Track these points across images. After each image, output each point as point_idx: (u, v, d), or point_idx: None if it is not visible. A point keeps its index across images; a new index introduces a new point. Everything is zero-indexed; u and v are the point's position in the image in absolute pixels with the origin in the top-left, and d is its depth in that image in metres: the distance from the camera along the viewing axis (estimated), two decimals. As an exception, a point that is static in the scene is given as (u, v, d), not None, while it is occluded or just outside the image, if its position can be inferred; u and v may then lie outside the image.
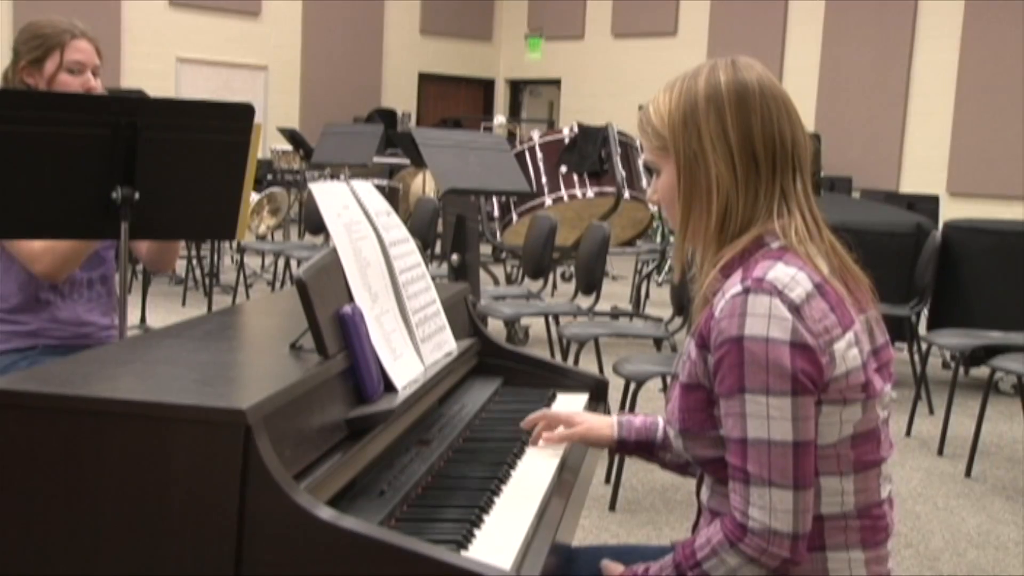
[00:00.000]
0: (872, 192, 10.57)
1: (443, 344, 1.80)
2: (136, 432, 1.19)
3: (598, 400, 2.10)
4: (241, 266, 7.30)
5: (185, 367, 1.40)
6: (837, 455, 1.37)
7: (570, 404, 2.05)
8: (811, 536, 1.35)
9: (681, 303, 4.28)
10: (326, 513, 1.16)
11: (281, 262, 7.55)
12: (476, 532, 1.34)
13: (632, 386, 3.77)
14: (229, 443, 1.16)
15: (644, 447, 1.71)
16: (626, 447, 1.69)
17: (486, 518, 1.40)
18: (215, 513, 1.16)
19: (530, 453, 1.70)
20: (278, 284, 7.56)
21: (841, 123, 12.56)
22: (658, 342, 4.68)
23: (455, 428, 1.76)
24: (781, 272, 1.35)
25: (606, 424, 1.72)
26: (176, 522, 1.17)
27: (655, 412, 5.76)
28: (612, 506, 3.62)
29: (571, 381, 2.11)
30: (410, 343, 1.66)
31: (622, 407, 3.97)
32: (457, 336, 1.90)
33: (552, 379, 2.12)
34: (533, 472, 1.62)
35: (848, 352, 1.35)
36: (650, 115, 1.45)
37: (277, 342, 1.58)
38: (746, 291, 1.33)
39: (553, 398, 2.08)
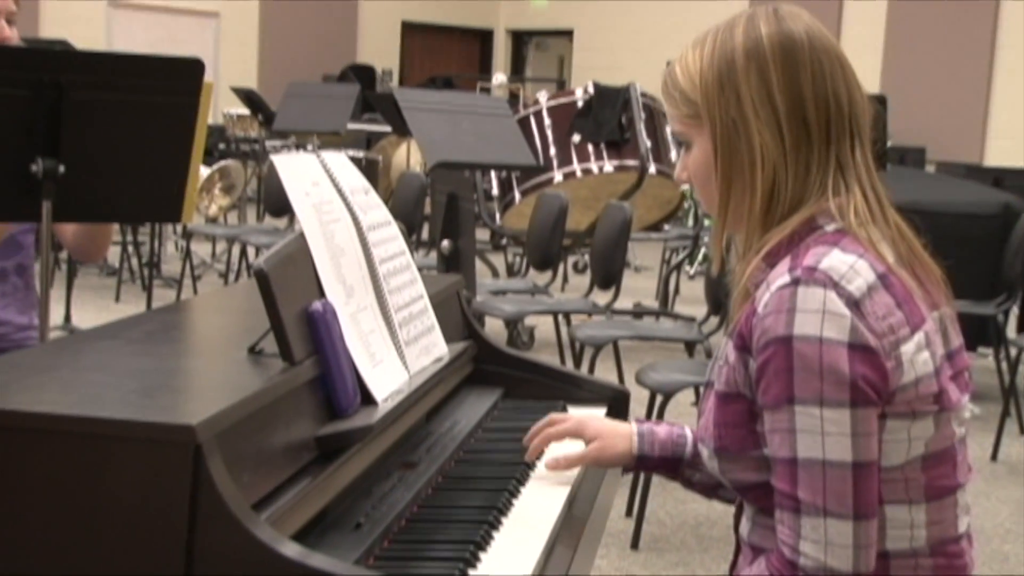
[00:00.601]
0: (950, 165, 10.58)
1: (432, 348, 1.81)
2: (64, 453, 1.19)
3: (617, 415, 2.11)
4: (187, 255, 7.33)
5: (122, 375, 1.41)
6: (905, 479, 1.38)
7: None
8: None
9: (718, 300, 4.29)
10: (291, 550, 1.17)
11: (236, 250, 7.58)
12: (471, 573, 1.35)
13: (658, 399, 3.79)
14: (175, 465, 1.17)
15: (668, 464, 1.70)
16: (647, 464, 1.70)
17: (483, 556, 1.41)
18: (158, 549, 1.17)
19: (535, 479, 1.71)
20: (232, 276, 7.60)
21: (912, 83, 12.56)
22: (690, 346, 4.65)
23: (446, 448, 1.77)
24: (837, 260, 1.36)
25: (623, 436, 1.71)
26: (112, 561, 1.18)
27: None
28: (635, 543, 3.65)
29: (585, 393, 2.13)
30: (392, 346, 1.67)
31: None
32: (448, 338, 1.91)
33: (562, 390, 2.13)
34: (539, 501, 1.63)
35: (918, 356, 1.36)
36: (677, 77, 1.45)
37: (232, 345, 1.58)
38: (795, 282, 1.34)
39: (563, 413, 2.06)
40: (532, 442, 1.75)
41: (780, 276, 1.37)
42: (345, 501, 1.49)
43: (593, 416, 1.77)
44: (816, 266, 1.35)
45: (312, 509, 1.37)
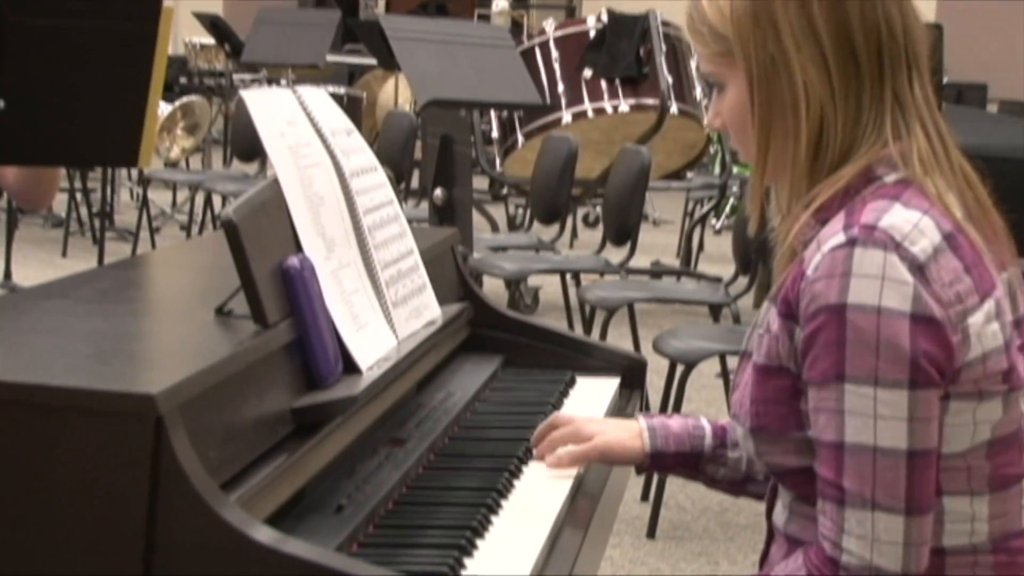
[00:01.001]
0: (1014, 104, 10.53)
1: (423, 310, 1.82)
2: (7, 426, 1.20)
3: (633, 387, 2.11)
4: (144, 203, 7.33)
5: (72, 339, 1.41)
6: (968, 468, 1.38)
7: (594, 392, 2.06)
8: None
9: (747, 257, 4.31)
10: (264, 534, 1.17)
11: (200, 198, 7.58)
12: (466, 562, 1.36)
13: (679, 369, 3.82)
14: (134, 440, 1.17)
15: (687, 460, 1.69)
16: (663, 462, 1.68)
17: (480, 544, 1.41)
18: (115, 534, 1.17)
19: (540, 458, 1.72)
20: (196, 228, 7.60)
21: (972, 10, 12.49)
22: (715, 310, 4.66)
23: (439, 423, 1.77)
24: (899, 217, 1.35)
25: (630, 432, 1.69)
26: (62, 547, 1.18)
27: (710, 405, 5.69)
28: (651, 532, 3.68)
29: (596, 361, 2.13)
30: (378, 308, 1.67)
31: (665, 398, 4.02)
32: (442, 299, 1.91)
33: (570, 358, 2.13)
34: (544, 482, 1.64)
35: (987, 328, 1.35)
36: (704, 10, 1.44)
37: (197, 306, 1.59)
38: (851, 242, 1.33)
39: (571, 384, 2.09)
40: (537, 448, 1.74)
41: (833, 235, 1.36)
42: (325, 481, 1.49)
43: (590, 418, 1.78)
44: (876, 224, 1.34)
45: (288, 490, 1.38)
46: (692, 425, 1.70)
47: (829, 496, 1.35)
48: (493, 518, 1.49)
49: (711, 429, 1.70)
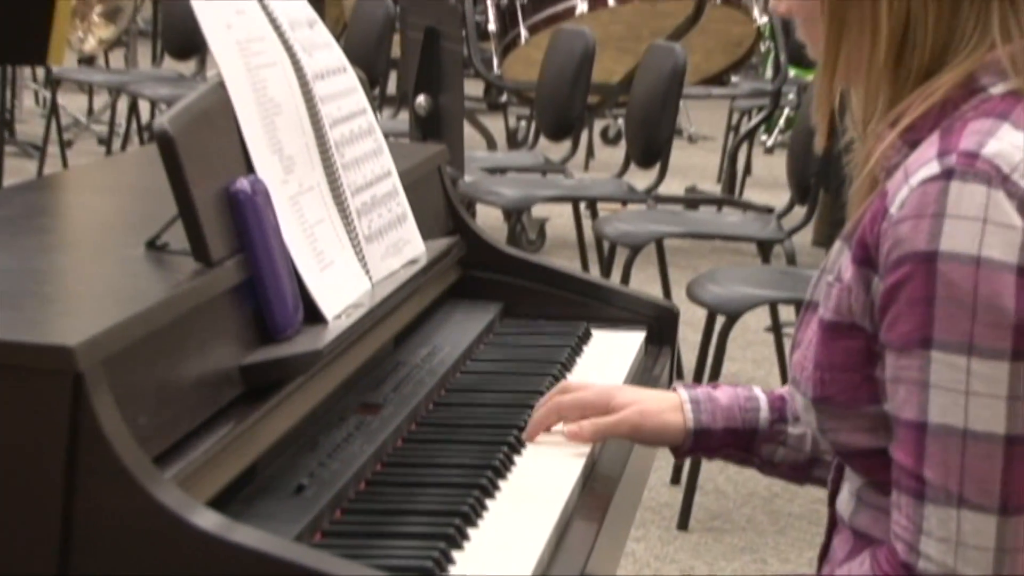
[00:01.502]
0: None
1: (403, 246, 1.82)
2: None
3: (662, 343, 2.11)
4: (53, 110, 7.29)
5: (-30, 278, 1.42)
6: None
7: (614, 348, 2.05)
8: None
9: (805, 182, 4.27)
10: (207, 520, 1.18)
11: (123, 104, 7.54)
12: (455, 556, 1.36)
13: (719, 321, 3.81)
14: (47, 403, 1.17)
15: (738, 440, 1.69)
16: (707, 441, 1.68)
17: (473, 534, 1.41)
18: (27, 513, 1.17)
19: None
20: (118, 143, 7.57)
21: None
22: (765, 248, 4.64)
23: (422, 385, 1.77)
24: (1008, 142, 1.34)
25: (670, 404, 1.68)
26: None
27: (757, 365, 5.65)
28: (683, 523, 3.67)
29: (616, 310, 2.12)
30: (348, 243, 1.67)
31: (701, 357, 4.02)
32: (426, 233, 1.91)
33: (584, 306, 2.13)
34: (551, 460, 1.64)
35: None
36: None
37: (123, 239, 1.59)
38: (947, 175, 1.33)
39: (585, 338, 2.08)
40: (535, 416, 1.72)
41: (925, 163, 1.34)
42: (282, 456, 1.50)
43: (625, 386, 1.75)
44: (977, 151, 1.33)
45: (237, 466, 1.38)
46: (743, 396, 1.69)
47: (906, 488, 1.34)
48: (488, 503, 1.49)
49: (767, 400, 1.69)
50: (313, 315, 1.55)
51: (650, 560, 3.50)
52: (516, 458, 1.63)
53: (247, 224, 1.48)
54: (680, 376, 4.99)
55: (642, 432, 1.67)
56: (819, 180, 4.20)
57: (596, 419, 1.66)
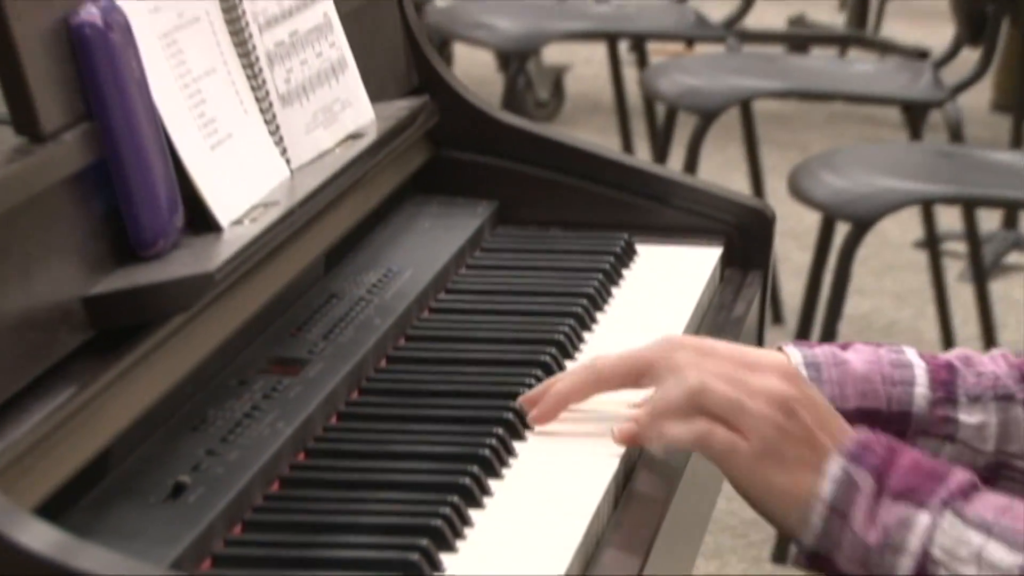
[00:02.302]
0: None
1: (340, 111, 1.68)
2: None
3: (747, 265, 1.87)
4: None
5: None
6: None
7: (672, 274, 1.84)
8: None
9: (978, 10, 3.68)
10: (38, 536, 1.02)
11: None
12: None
13: (841, 232, 3.29)
14: None
15: (880, 428, 1.41)
16: None
17: (447, 563, 1.20)
18: None
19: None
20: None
21: None
22: (915, 115, 4.09)
23: (369, 331, 1.58)
24: None
25: None
26: None
27: (903, 302, 5.24)
28: (780, 554, 3.28)
29: (676, 214, 1.90)
30: (254, 106, 1.53)
31: (811, 291, 3.49)
32: (377, 91, 1.78)
33: (626, 208, 1.91)
34: (569, 454, 1.44)
35: None
36: None
37: None
38: None
39: (626, 257, 1.85)
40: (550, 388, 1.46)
41: None
42: (150, 439, 1.33)
43: (690, 338, 1.51)
44: None
45: (80, 454, 1.22)
46: (889, 361, 1.46)
47: None
48: (473, 514, 1.28)
49: (926, 369, 1.46)
50: (199, 220, 1.40)
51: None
52: (516, 446, 1.41)
53: (96, 75, 1.31)
54: (778, 319, 4.51)
55: None
56: (1001, 6, 3.64)
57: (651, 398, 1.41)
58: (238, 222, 1.41)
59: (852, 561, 1.34)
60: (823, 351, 1.47)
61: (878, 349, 1.48)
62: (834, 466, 1.34)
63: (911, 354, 1.48)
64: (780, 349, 1.47)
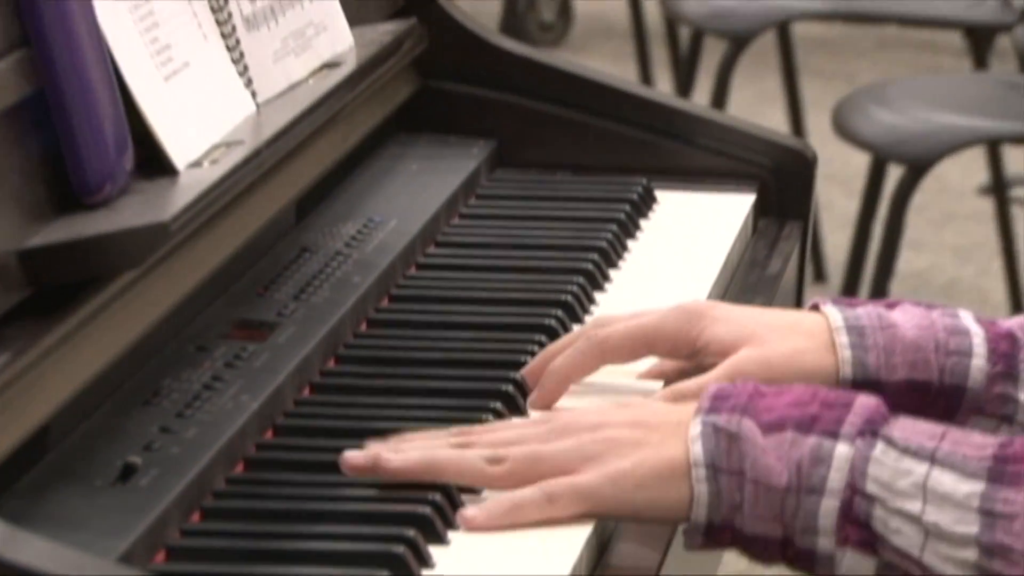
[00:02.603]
0: None
1: (313, 36, 1.64)
2: None
3: (785, 214, 1.80)
4: None
5: None
6: None
7: (699, 223, 1.78)
8: None
9: None
10: None
11: None
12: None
13: (893, 175, 3.14)
14: None
15: (928, 403, 1.38)
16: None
17: (435, 557, 1.17)
18: None
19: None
20: None
21: None
22: (979, 41, 3.92)
23: (347, 290, 1.54)
24: None
25: (808, 337, 1.40)
26: None
27: (963, 259, 5.08)
28: None
29: (703, 155, 1.84)
30: (214, 30, 1.49)
31: (859, 243, 3.34)
32: (357, 14, 1.72)
33: (645, 148, 1.85)
34: None
35: None
36: None
37: None
38: None
39: (645, 204, 1.79)
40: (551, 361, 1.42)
41: None
42: (97, 414, 1.30)
43: (718, 303, 1.45)
44: None
45: (16, 430, 1.19)
46: (942, 324, 1.38)
47: None
48: (467, 501, 1.25)
49: (984, 336, 1.38)
50: (152, 162, 1.35)
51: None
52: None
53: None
54: (820, 276, 4.35)
55: None
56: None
57: (686, 383, 1.36)
58: (196, 164, 1.36)
59: (761, 518, 1.25)
60: (867, 312, 1.38)
61: (930, 312, 1.40)
62: (694, 426, 1.26)
63: (968, 319, 1.40)
64: (816, 308, 1.39)
